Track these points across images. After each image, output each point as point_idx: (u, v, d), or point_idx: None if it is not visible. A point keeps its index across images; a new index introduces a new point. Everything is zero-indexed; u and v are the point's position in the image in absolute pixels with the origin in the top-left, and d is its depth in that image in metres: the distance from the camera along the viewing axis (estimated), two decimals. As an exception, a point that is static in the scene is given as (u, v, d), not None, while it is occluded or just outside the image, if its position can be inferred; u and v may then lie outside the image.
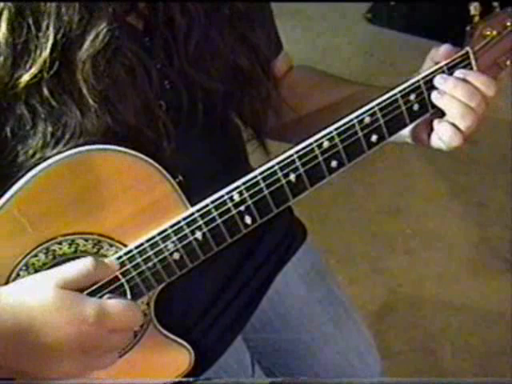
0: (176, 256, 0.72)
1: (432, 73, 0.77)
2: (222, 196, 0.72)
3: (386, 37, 2.55)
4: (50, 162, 0.66)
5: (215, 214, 0.72)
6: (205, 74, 0.77)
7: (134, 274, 0.72)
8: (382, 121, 0.75)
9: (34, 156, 0.67)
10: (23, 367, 0.65)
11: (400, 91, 0.75)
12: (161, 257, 0.72)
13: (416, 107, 0.77)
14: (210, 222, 0.72)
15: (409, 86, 0.76)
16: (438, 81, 0.77)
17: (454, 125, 0.77)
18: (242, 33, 0.80)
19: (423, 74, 0.77)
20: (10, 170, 0.68)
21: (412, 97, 0.76)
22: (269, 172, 0.72)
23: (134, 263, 0.72)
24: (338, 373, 1.02)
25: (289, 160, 0.72)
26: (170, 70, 0.75)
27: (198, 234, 0.72)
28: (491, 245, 1.92)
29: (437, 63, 0.78)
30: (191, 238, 0.72)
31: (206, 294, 0.88)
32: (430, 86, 0.77)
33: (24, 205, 0.67)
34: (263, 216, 0.74)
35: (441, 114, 0.79)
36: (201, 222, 0.72)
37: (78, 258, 0.69)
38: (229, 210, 0.72)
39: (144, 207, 0.71)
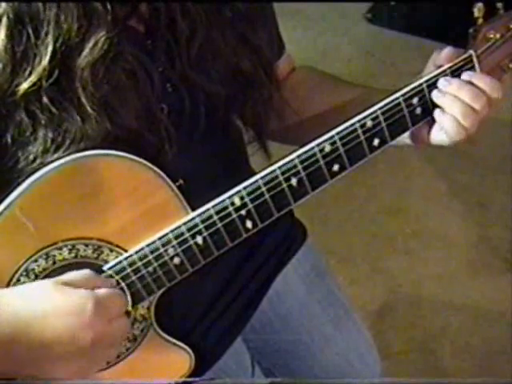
0: (176, 261, 0.72)
1: (435, 76, 0.76)
2: (223, 200, 0.71)
3: (386, 37, 2.55)
4: (50, 167, 0.66)
5: (216, 218, 0.72)
6: (207, 77, 0.77)
7: (134, 278, 0.72)
8: (384, 124, 0.75)
9: (34, 162, 0.67)
10: (29, 372, 0.65)
11: (402, 95, 0.75)
12: (161, 261, 0.72)
13: (419, 111, 0.76)
14: (210, 226, 0.72)
15: (411, 90, 0.75)
16: (442, 83, 0.76)
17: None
18: (244, 35, 0.80)
19: (426, 78, 0.76)
20: (10, 175, 0.68)
21: (415, 100, 0.76)
22: (270, 176, 0.72)
23: (134, 268, 0.71)
24: (338, 373, 1.02)
25: (290, 164, 0.72)
26: (172, 73, 0.75)
27: (199, 239, 0.72)
28: (491, 245, 1.92)
29: (439, 66, 0.77)
30: (192, 243, 0.72)
31: (206, 295, 0.88)
32: (433, 90, 0.76)
33: (24, 210, 0.66)
34: (264, 220, 0.74)
35: None
36: (201, 227, 0.71)
37: (78, 263, 0.70)
38: (230, 214, 0.72)
39: (144, 212, 0.71)
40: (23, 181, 0.66)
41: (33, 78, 0.65)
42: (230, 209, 0.72)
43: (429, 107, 0.77)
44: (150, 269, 0.72)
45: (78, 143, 0.67)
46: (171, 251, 0.71)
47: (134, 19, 0.72)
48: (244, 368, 0.98)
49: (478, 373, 1.64)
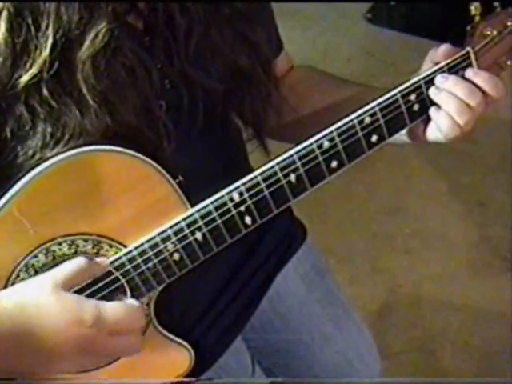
0: (176, 256, 0.72)
1: (433, 73, 0.76)
2: (222, 196, 0.72)
3: (386, 37, 2.55)
4: (50, 162, 0.66)
5: (215, 214, 0.72)
6: (205, 74, 0.77)
7: (133, 274, 0.72)
8: (382, 121, 0.75)
9: (33, 156, 0.67)
10: (23, 369, 0.66)
11: (400, 91, 0.75)
12: (161, 257, 0.72)
13: (416, 107, 0.77)
14: (210, 222, 0.72)
15: (409, 86, 0.76)
16: (439, 80, 0.76)
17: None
18: (243, 32, 0.80)
19: (424, 74, 0.76)
20: (9, 170, 0.68)
21: (412, 97, 0.76)
22: (269, 172, 0.72)
23: (133, 264, 0.72)
24: (338, 373, 1.02)
25: (289, 160, 0.72)
26: (171, 70, 0.75)
27: (198, 235, 0.72)
28: (491, 244, 1.92)
29: (436, 63, 0.77)
30: (191, 239, 0.72)
31: (206, 294, 0.88)
32: (431, 86, 0.77)
33: (24, 205, 0.67)
34: (263, 216, 0.74)
35: None
36: (201, 223, 0.72)
37: (77, 258, 0.70)
38: (229, 210, 0.72)
39: (144, 208, 0.71)
40: (22, 176, 0.66)
41: (33, 70, 0.65)
42: (229, 205, 0.72)
43: (426, 104, 0.77)
44: (150, 264, 0.72)
45: (76, 138, 0.67)
46: (171, 247, 0.72)
47: (132, 16, 0.72)
48: (244, 367, 0.98)
49: (477, 373, 1.64)
